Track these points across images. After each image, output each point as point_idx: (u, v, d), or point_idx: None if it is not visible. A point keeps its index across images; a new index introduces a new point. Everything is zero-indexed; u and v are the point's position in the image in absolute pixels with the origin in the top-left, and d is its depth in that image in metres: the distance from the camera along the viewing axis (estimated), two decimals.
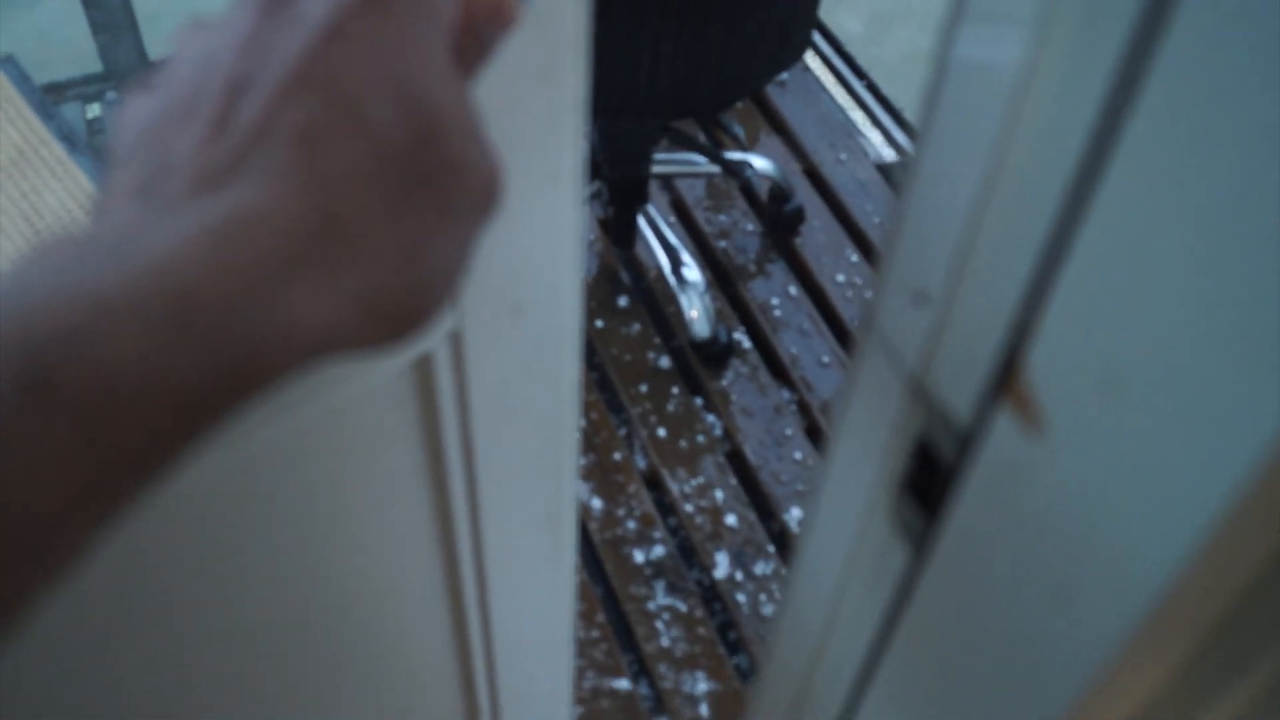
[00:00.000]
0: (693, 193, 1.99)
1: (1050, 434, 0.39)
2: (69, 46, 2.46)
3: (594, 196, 1.87)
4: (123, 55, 2.28)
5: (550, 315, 0.55)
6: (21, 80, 1.85)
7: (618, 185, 1.80)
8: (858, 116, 2.15)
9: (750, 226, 1.95)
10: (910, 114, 2.16)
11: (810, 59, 2.23)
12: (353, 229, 0.27)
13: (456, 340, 0.51)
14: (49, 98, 2.27)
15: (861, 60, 2.24)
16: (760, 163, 1.92)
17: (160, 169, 0.28)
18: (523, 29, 0.41)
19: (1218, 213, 0.30)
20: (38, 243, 0.26)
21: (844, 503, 0.54)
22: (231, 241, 0.26)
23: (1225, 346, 0.32)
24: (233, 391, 0.26)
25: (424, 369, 0.52)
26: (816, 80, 2.18)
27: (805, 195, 1.98)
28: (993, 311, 0.42)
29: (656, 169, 1.85)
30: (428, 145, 0.28)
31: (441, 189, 0.29)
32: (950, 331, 0.46)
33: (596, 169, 1.80)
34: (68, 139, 1.70)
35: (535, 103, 0.46)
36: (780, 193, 1.94)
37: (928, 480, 0.48)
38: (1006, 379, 0.40)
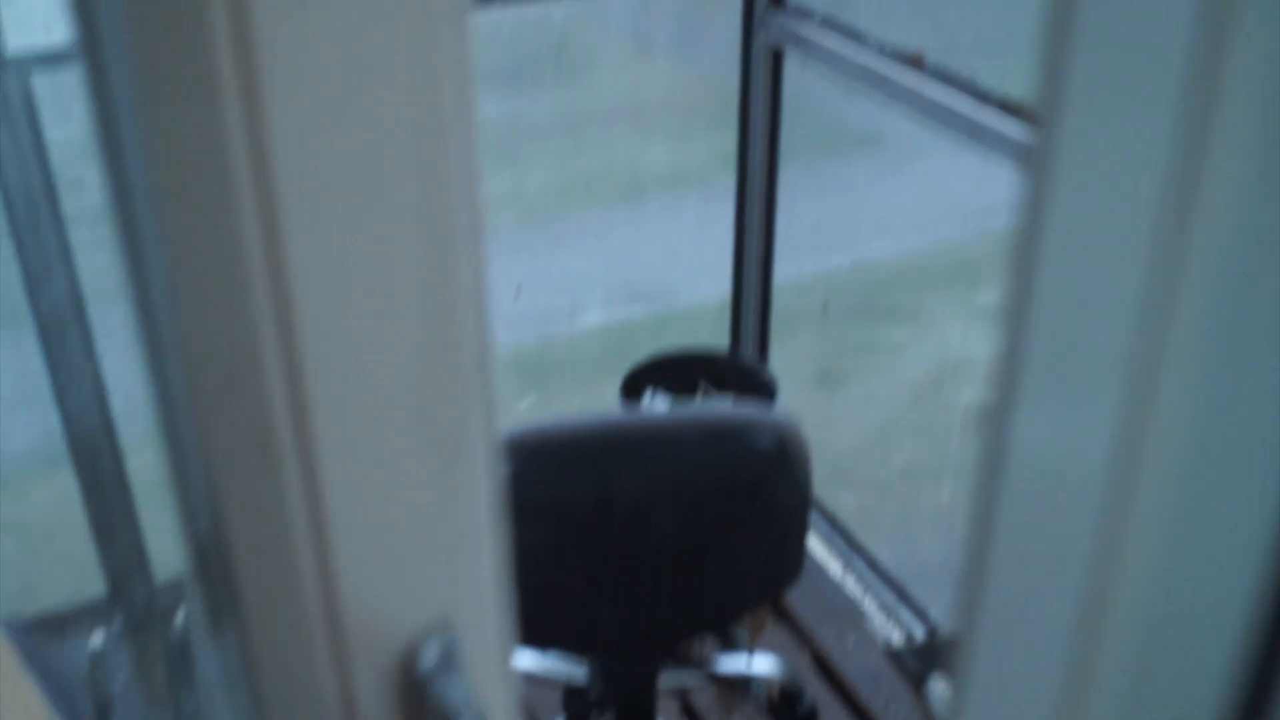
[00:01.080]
0: (703, 697, 1.94)
1: None
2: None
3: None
4: (130, 581, 2.30)
5: None
6: (16, 636, 1.85)
7: (625, 713, 1.76)
8: (862, 597, 2.14)
9: None
10: (913, 588, 2.15)
11: (810, 539, 2.25)
12: None
13: None
14: (50, 634, 2.27)
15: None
16: (765, 666, 1.89)
17: None
18: None
19: None
20: None
21: None
22: None
23: None
24: None
25: None
26: (817, 564, 2.19)
27: (816, 688, 1.93)
28: None
29: (662, 685, 1.82)
30: None
31: None
32: None
33: (602, 700, 1.76)
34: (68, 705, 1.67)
35: None
36: (791, 693, 1.89)
37: None
38: None
